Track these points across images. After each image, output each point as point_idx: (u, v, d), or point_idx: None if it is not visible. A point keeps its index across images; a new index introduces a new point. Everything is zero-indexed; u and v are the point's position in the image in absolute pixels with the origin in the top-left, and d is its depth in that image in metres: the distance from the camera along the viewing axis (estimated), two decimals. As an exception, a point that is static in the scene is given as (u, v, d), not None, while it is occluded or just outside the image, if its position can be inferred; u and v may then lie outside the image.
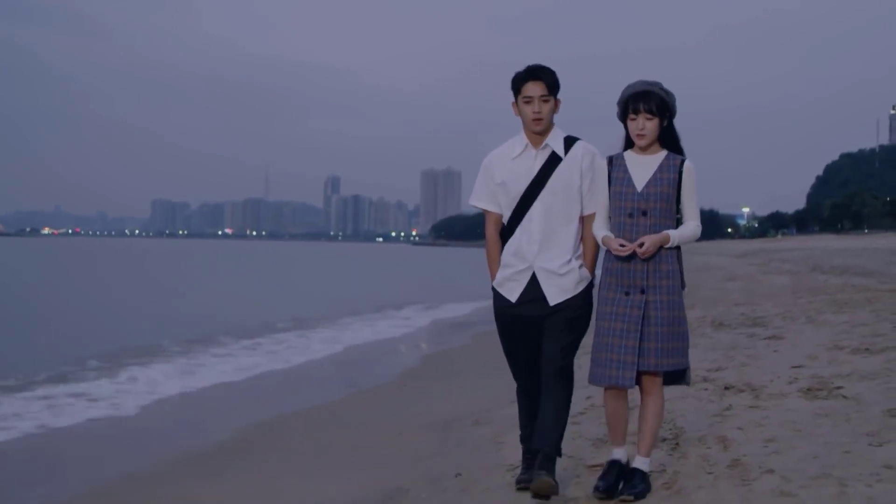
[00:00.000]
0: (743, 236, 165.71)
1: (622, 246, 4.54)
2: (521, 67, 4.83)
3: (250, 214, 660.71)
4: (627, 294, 4.60)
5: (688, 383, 4.85)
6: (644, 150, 4.69)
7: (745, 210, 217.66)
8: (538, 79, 4.76)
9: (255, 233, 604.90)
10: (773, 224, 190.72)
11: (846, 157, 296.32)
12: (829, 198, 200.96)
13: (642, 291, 4.57)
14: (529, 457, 4.98)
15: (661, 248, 4.57)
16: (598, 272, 4.91)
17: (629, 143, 4.74)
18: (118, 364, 13.16)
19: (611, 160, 4.76)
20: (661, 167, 4.65)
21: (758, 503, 4.16)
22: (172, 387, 11.46)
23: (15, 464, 7.60)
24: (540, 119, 4.76)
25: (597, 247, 4.88)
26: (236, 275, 55.00)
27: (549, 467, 4.65)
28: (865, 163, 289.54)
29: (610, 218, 4.75)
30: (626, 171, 4.68)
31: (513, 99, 4.86)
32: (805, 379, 7.23)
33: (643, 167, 4.66)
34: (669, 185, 4.62)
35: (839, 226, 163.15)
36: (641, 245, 4.51)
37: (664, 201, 4.61)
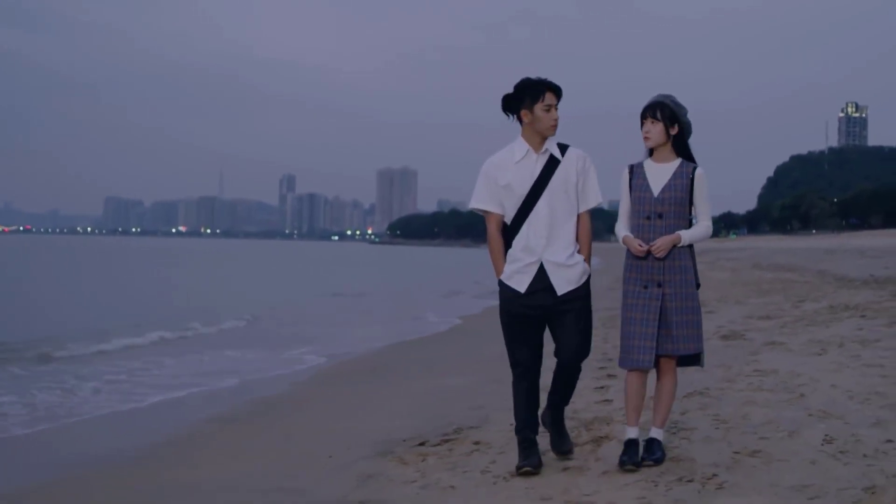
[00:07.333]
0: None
1: (640, 246, 5.05)
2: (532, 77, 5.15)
3: (205, 212, 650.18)
4: (646, 287, 5.06)
5: (702, 365, 5.31)
6: (659, 158, 5.17)
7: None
8: (554, 90, 5.11)
9: (209, 231, 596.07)
10: (725, 224, 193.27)
11: (796, 159, 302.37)
12: (779, 198, 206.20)
13: (659, 285, 5.04)
14: (527, 445, 5.21)
15: (674, 246, 5.04)
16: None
17: (651, 152, 5.22)
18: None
19: (631, 169, 5.23)
20: (675, 174, 5.11)
21: (686, 375, 8.14)
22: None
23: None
24: (556, 125, 5.14)
25: (590, 241, 5.26)
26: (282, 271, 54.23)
27: (563, 427, 5.48)
28: (814, 165, 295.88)
29: (630, 220, 5.23)
30: (644, 178, 5.15)
31: (522, 107, 5.13)
32: (723, 331, 11.31)
33: (660, 174, 5.13)
34: (682, 191, 5.07)
35: (788, 226, 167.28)
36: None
37: (678, 205, 5.08)
